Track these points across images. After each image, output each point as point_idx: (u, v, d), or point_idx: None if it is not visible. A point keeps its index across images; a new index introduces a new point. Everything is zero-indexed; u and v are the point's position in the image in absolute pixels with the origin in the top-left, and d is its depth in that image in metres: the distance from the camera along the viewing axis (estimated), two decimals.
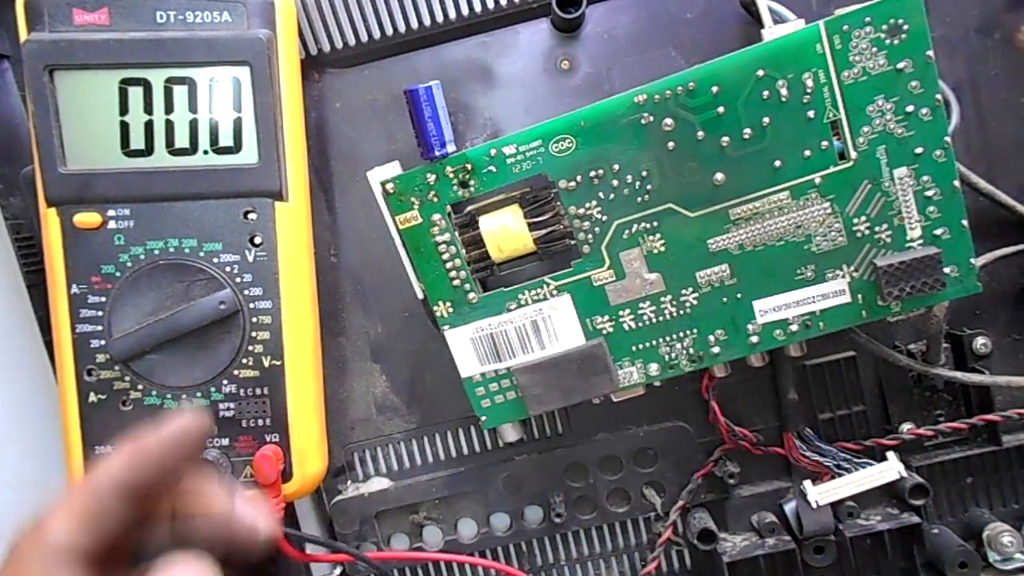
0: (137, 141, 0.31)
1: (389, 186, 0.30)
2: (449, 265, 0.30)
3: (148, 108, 0.31)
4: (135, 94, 0.31)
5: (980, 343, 0.34)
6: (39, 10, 0.30)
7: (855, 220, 0.29)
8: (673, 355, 0.31)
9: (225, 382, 0.32)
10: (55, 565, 0.22)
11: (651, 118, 0.28)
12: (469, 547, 0.36)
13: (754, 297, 0.30)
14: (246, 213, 0.31)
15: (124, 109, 0.31)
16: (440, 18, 0.33)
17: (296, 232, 0.32)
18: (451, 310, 0.31)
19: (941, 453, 0.35)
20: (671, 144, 0.28)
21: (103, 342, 0.32)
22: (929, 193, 0.28)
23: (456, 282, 0.30)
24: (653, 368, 0.31)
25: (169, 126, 0.31)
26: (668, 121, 0.28)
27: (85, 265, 0.31)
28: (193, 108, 0.31)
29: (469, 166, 0.29)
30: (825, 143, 0.28)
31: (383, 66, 0.34)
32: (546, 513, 0.36)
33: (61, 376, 0.32)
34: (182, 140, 0.31)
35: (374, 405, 0.36)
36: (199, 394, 0.32)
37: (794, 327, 0.30)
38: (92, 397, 0.32)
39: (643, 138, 0.28)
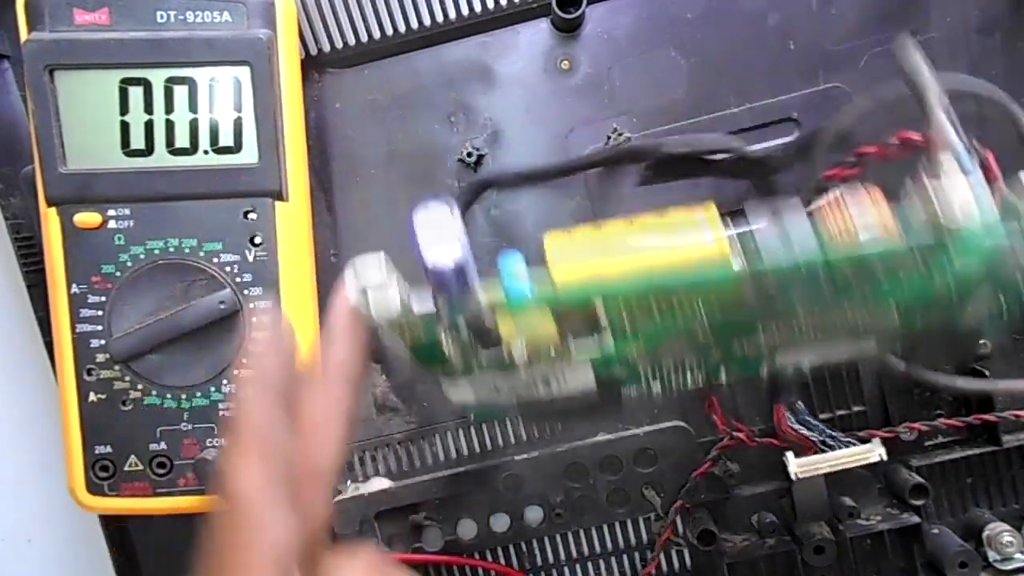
0: (137, 141, 0.31)
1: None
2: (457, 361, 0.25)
3: (148, 108, 0.31)
4: (135, 94, 0.31)
5: (980, 343, 0.34)
6: (39, 10, 0.30)
7: None
8: (680, 380, 0.30)
9: (225, 382, 0.32)
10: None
11: None
12: (469, 547, 0.36)
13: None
14: (246, 213, 0.31)
15: (124, 109, 0.31)
16: (440, 18, 0.33)
17: (296, 232, 0.32)
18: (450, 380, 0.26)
19: (941, 453, 0.35)
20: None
21: (103, 342, 0.31)
22: None
23: (462, 367, 0.25)
24: (656, 386, 0.30)
25: (169, 126, 0.31)
26: None
27: (85, 265, 0.31)
28: (193, 108, 0.31)
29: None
30: None
31: (383, 66, 0.34)
32: (546, 513, 0.36)
33: (61, 376, 0.32)
34: (182, 140, 0.31)
35: (374, 405, 0.36)
36: (199, 394, 0.32)
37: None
38: (92, 397, 0.32)
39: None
